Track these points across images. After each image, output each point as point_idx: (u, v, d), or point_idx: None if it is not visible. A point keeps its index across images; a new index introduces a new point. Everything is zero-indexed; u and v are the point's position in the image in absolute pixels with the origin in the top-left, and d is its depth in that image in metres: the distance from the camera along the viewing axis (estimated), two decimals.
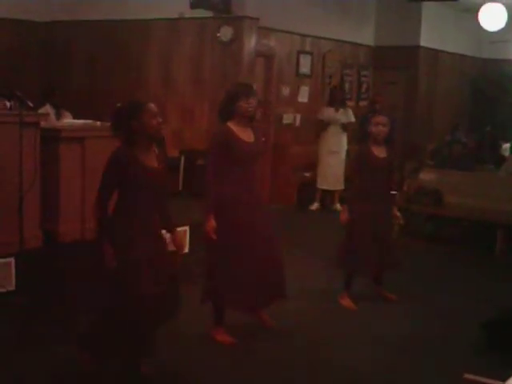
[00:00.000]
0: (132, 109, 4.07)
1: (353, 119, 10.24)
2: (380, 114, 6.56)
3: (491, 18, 11.28)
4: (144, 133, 4.04)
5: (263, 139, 5.08)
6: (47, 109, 8.46)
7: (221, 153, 4.82)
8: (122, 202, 4.07)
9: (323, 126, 10.22)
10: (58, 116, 8.64)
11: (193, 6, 9.18)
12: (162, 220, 4.27)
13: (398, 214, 6.17)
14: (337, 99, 10.35)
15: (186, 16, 9.68)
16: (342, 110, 10.25)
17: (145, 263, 4.02)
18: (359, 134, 6.19)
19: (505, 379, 3.40)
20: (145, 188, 4.06)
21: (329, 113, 10.24)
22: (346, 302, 5.97)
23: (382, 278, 6.23)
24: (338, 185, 10.29)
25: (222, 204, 4.83)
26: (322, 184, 10.40)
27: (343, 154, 10.27)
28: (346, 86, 11.89)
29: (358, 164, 6.01)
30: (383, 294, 6.19)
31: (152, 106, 4.08)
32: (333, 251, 6.20)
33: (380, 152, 5.86)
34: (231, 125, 4.88)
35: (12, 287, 5.66)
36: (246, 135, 4.91)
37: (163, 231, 4.36)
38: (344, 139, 10.26)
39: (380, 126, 5.82)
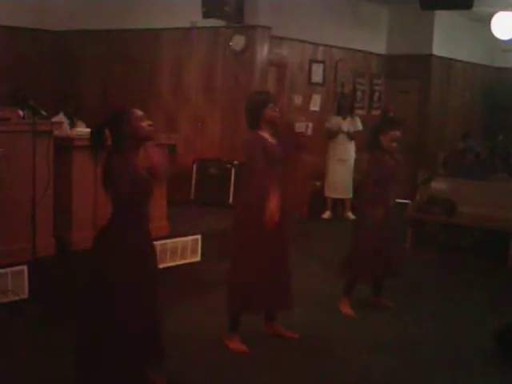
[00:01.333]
0: (119, 115, 3.92)
1: (360, 128, 10.19)
2: (397, 124, 6.49)
3: (503, 27, 11.28)
4: (135, 137, 3.88)
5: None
6: (61, 118, 8.51)
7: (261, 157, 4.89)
8: (122, 213, 3.94)
9: (332, 134, 10.22)
10: (72, 125, 8.69)
11: (205, 16, 9.21)
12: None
13: None
14: (344, 107, 10.34)
15: (198, 25, 9.71)
16: (349, 119, 10.24)
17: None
18: (369, 142, 6.18)
19: None
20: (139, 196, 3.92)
21: (336, 121, 10.23)
22: (346, 308, 5.97)
23: (381, 287, 6.22)
24: (346, 193, 10.26)
25: (251, 207, 4.87)
26: (330, 192, 10.37)
27: (351, 163, 10.23)
28: (359, 94, 11.90)
29: (373, 171, 6.02)
30: (382, 303, 6.17)
31: (137, 110, 3.95)
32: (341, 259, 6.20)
33: (390, 160, 5.94)
34: (261, 132, 4.96)
35: (25, 295, 5.70)
36: (273, 141, 4.99)
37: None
38: (352, 148, 10.24)
39: (395, 142, 5.85)
